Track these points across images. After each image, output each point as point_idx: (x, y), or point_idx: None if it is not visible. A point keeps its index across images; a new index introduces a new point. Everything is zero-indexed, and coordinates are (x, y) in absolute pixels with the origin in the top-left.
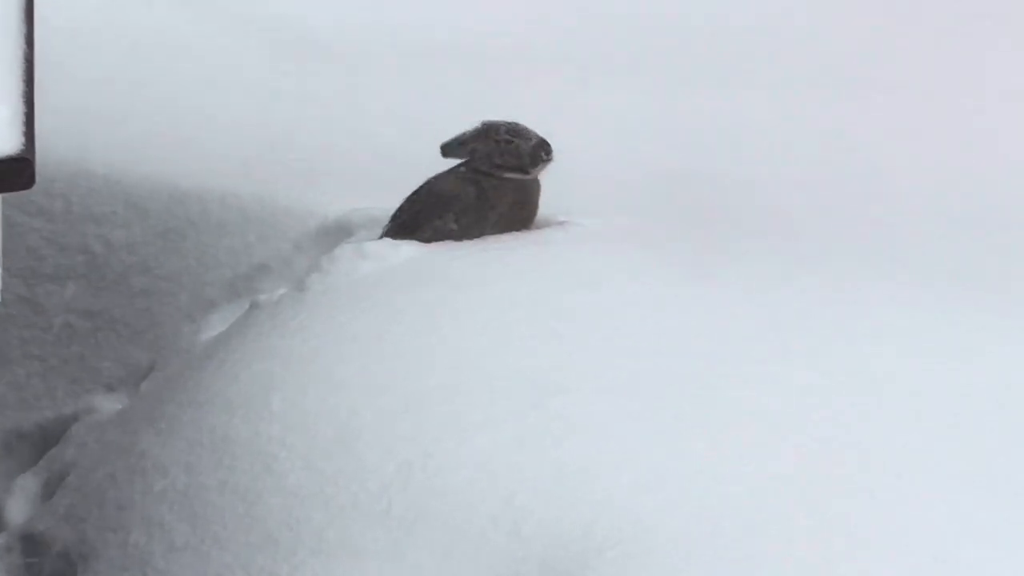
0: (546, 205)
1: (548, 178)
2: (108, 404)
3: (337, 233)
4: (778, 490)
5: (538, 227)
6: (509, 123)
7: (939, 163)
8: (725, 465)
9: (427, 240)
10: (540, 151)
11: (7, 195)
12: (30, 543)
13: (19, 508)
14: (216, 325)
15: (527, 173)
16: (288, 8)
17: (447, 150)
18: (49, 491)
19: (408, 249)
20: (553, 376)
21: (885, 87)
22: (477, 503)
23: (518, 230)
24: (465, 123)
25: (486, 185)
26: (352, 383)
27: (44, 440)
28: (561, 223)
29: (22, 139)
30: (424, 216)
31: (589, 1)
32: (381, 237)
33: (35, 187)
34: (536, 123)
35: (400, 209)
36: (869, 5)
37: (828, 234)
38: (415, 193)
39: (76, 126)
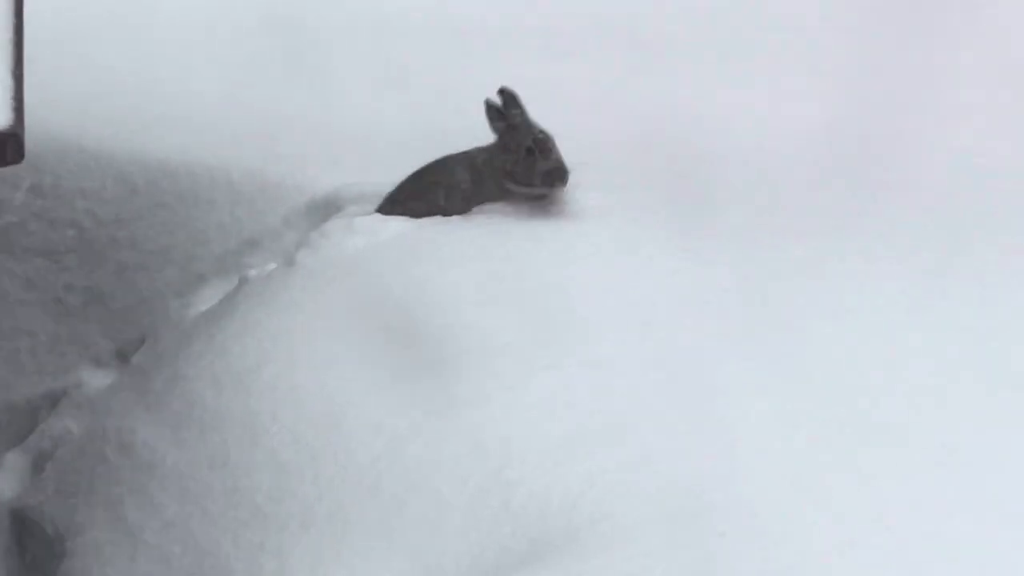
0: None
1: None
2: (98, 379)
3: (327, 209)
4: (768, 467)
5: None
6: (540, 133)
7: (920, 137)
8: (715, 442)
9: (417, 212)
10: (555, 178)
11: None
12: (20, 519)
13: (8, 484)
14: (206, 300)
15: (532, 189)
16: None
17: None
18: (39, 467)
19: (397, 224)
20: (542, 352)
21: (870, 68)
22: (466, 477)
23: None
24: (452, 97)
25: (487, 177)
26: (341, 358)
27: (33, 415)
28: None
29: (11, 114)
30: (418, 192)
31: None
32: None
33: (24, 162)
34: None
35: (399, 187)
36: None
37: (812, 209)
38: (418, 173)
39: (65, 102)
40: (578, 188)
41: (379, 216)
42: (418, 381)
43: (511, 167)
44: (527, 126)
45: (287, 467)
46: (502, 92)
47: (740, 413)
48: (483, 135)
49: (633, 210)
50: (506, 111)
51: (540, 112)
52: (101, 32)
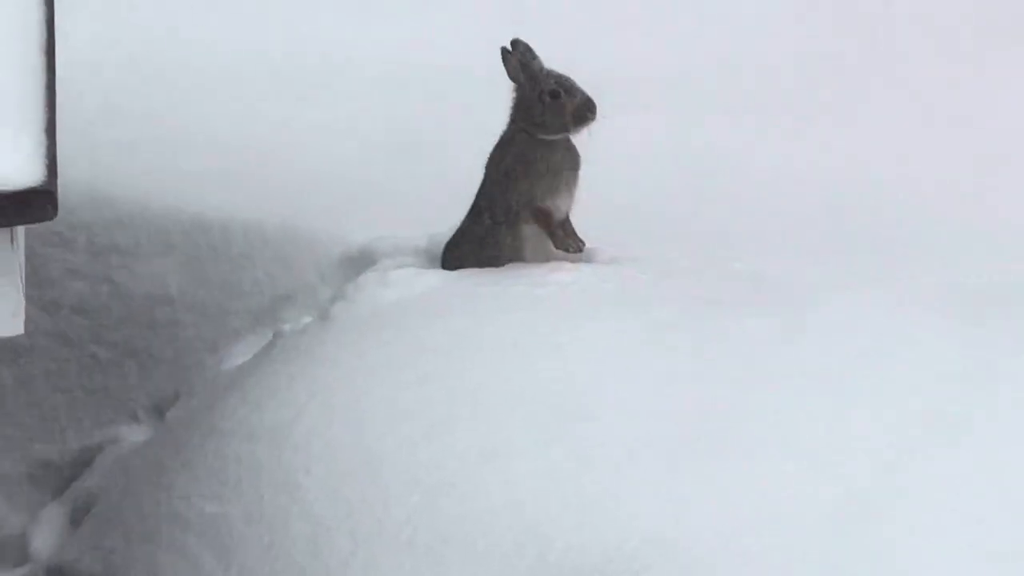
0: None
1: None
2: (133, 434)
3: (361, 262)
4: (805, 516)
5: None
6: (559, 75)
7: (938, 184)
8: (751, 491)
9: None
10: (587, 110)
11: (30, 226)
12: (57, 574)
13: (46, 539)
14: (240, 355)
15: (567, 131)
16: (307, 39)
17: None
18: (76, 521)
19: (431, 277)
20: (577, 403)
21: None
22: (502, 530)
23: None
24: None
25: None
26: (377, 412)
27: (70, 470)
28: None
29: (44, 171)
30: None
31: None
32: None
33: (58, 218)
34: None
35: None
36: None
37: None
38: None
39: (98, 157)
40: (606, 242)
41: (413, 269)
42: (453, 434)
43: (540, 118)
44: (546, 72)
45: (323, 521)
46: (516, 43)
47: (779, 465)
48: None
49: (665, 263)
50: (524, 60)
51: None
52: (134, 87)
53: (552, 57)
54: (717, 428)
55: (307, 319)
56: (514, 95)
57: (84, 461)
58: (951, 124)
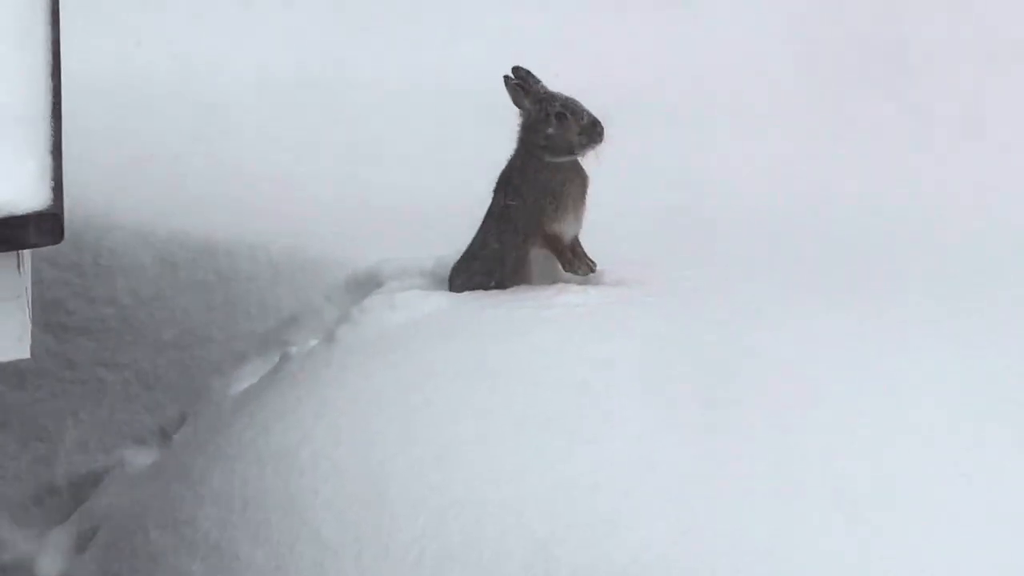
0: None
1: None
2: (140, 458)
3: (367, 284)
4: (815, 539)
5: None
6: (565, 97)
7: (939, 203)
8: (758, 513)
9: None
10: (594, 132)
11: (36, 249)
12: None
13: (52, 562)
14: (247, 378)
15: (574, 153)
16: (311, 62)
17: (512, 79)
18: (82, 545)
19: (438, 299)
20: (584, 425)
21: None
22: (510, 552)
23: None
24: (493, 170)
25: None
26: (383, 434)
27: (76, 494)
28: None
29: (50, 194)
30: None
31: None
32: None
33: (64, 241)
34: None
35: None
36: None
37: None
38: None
39: (104, 180)
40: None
41: (419, 292)
42: (459, 456)
43: (547, 141)
44: (550, 95)
45: (330, 544)
46: (517, 70)
47: (788, 486)
48: None
49: (670, 282)
50: (527, 86)
51: None
52: (140, 110)
53: (560, 80)
54: (724, 450)
55: (313, 342)
56: (520, 120)
57: (90, 484)
58: (953, 140)
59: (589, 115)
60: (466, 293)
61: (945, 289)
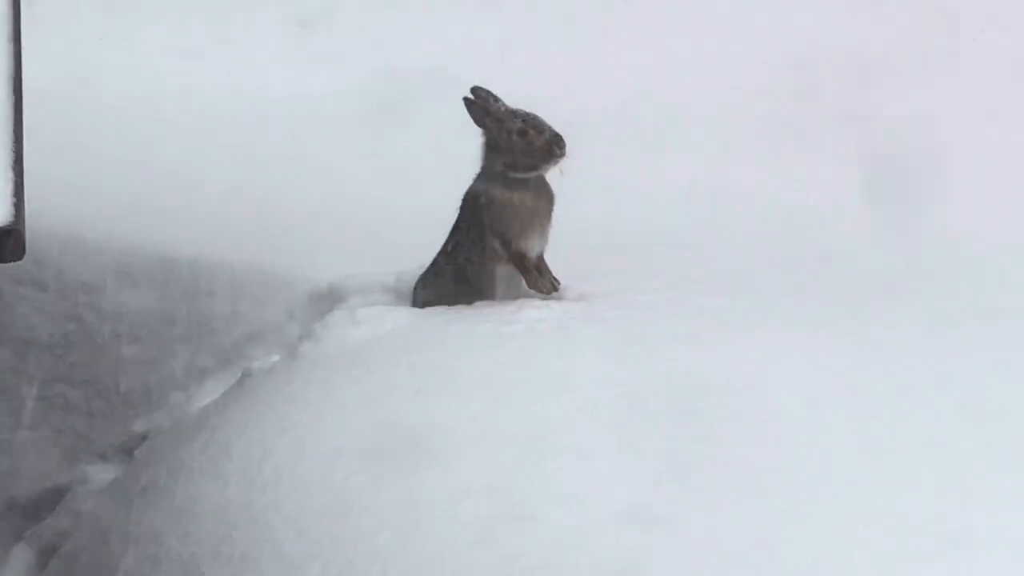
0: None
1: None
2: (102, 474)
3: (329, 299)
4: (778, 553)
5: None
6: (526, 114)
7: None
8: (720, 529)
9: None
10: (555, 146)
11: None
12: None
13: None
14: (209, 393)
15: (537, 168)
16: (272, 77)
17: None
18: (43, 561)
19: (400, 315)
20: (548, 440)
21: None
22: (475, 569)
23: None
24: (457, 184)
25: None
26: (346, 450)
27: (38, 510)
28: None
29: (12, 209)
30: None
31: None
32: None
33: (26, 257)
34: None
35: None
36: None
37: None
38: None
39: (65, 196)
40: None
41: (382, 307)
42: (422, 472)
43: (511, 158)
44: (511, 112)
45: (292, 560)
46: (476, 90)
47: (754, 498)
48: None
49: (633, 299)
50: (487, 105)
51: None
52: (102, 124)
53: (521, 95)
54: (687, 464)
55: (276, 358)
56: (483, 138)
57: (52, 500)
58: (924, 158)
59: (551, 129)
60: (428, 308)
61: (916, 304)
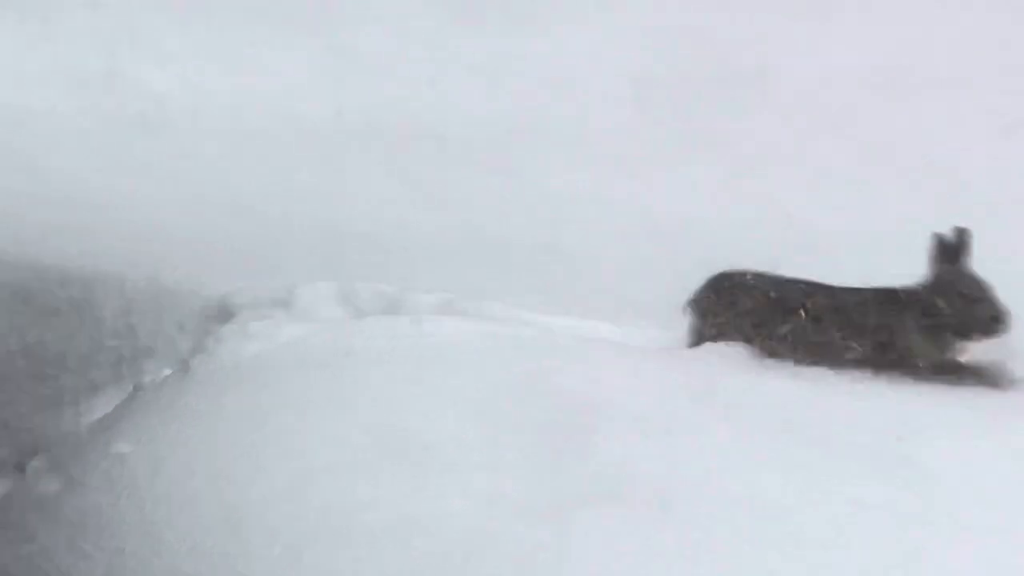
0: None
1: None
2: None
3: (221, 314)
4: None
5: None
6: (975, 277)
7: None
8: (604, 546)
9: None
10: (998, 322)
11: None
12: None
13: None
14: (101, 408)
15: (969, 338)
16: (166, 90)
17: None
18: None
19: (292, 329)
20: (442, 452)
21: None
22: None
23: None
24: (355, 199)
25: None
26: (237, 465)
27: None
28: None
29: None
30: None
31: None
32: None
33: None
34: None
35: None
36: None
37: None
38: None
39: None
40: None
41: (272, 321)
42: (313, 487)
43: (948, 318)
44: (966, 273)
45: (186, 575)
46: (960, 232)
47: (643, 508)
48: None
49: (510, 304)
50: (956, 253)
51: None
52: None
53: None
54: (571, 480)
55: (168, 371)
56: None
57: None
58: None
59: (998, 303)
60: (319, 323)
61: None
